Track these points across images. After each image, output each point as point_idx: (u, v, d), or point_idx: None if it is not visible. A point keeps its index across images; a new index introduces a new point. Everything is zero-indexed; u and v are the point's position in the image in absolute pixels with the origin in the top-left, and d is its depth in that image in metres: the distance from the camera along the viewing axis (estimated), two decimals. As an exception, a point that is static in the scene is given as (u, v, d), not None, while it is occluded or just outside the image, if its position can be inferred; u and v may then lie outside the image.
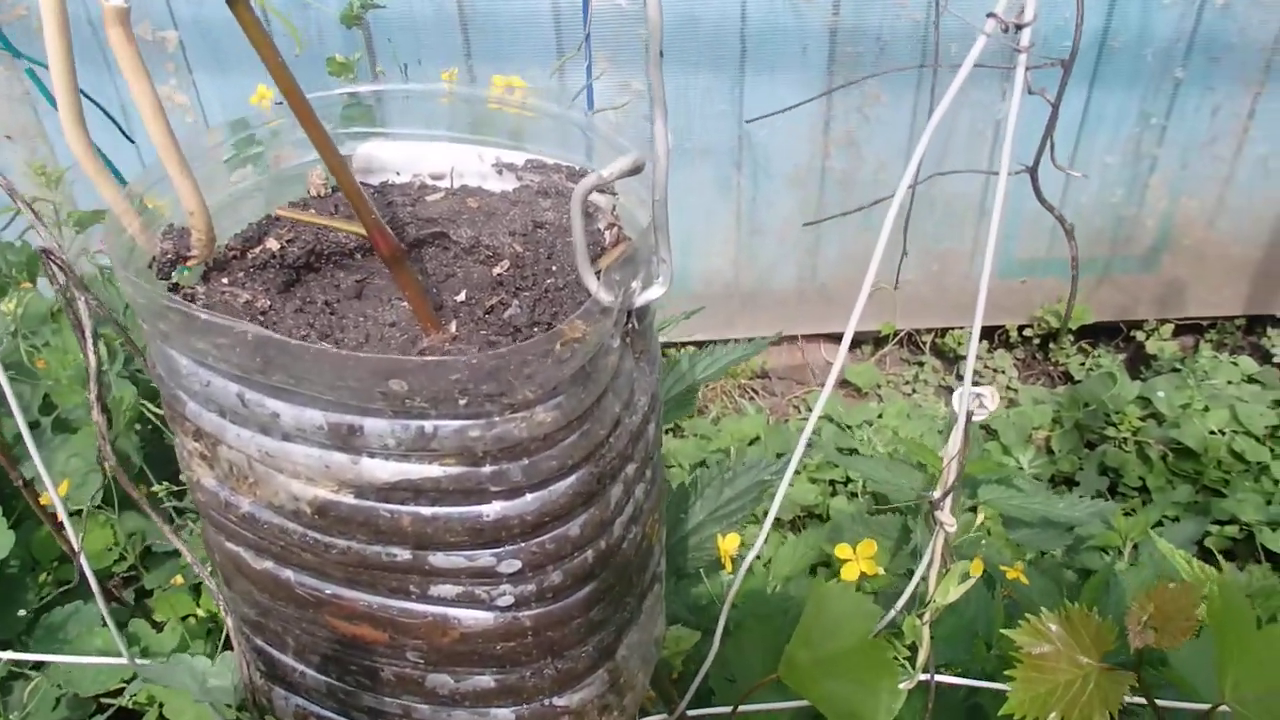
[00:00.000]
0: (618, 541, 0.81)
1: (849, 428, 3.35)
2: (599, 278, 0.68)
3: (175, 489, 1.60)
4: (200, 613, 1.58)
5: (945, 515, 0.95)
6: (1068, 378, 3.61)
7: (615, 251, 0.78)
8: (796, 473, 3.09)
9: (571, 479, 0.72)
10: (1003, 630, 1.04)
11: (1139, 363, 3.65)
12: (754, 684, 1.11)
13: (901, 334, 3.70)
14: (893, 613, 1.01)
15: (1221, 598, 0.93)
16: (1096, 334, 3.72)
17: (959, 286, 3.52)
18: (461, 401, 0.64)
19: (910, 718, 1.19)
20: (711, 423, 3.42)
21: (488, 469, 0.68)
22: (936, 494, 0.94)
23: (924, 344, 3.73)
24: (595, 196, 0.85)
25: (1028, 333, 3.67)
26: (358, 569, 0.75)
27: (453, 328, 0.72)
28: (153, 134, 0.67)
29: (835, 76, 3.02)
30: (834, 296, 3.53)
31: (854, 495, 3.03)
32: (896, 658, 0.99)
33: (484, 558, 0.73)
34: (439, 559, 0.73)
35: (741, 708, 1.11)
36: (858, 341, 3.75)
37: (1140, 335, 3.68)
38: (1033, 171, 0.90)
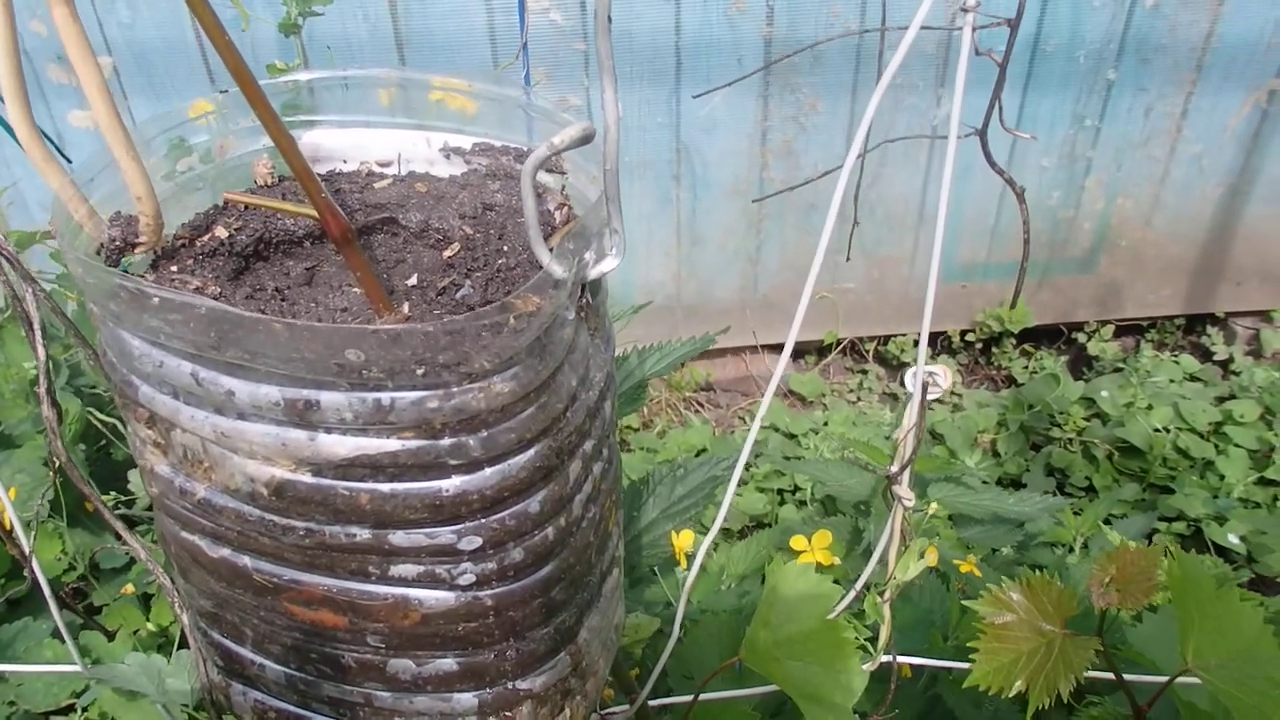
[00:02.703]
0: (577, 520, 0.81)
1: (795, 436, 3.36)
2: (551, 250, 0.68)
3: (123, 498, 1.58)
4: (150, 627, 1.56)
5: (903, 489, 0.95)
6: (1011, 381, 3.63)
7: (567, 225, 0.78)
8: (744, 482, 3.10)
9: (530, 453, 0.72)
10: (964, 602, 1.05)
11: (1081, 364, 3.68)
12: (712, 674, 1.11)
13: (845, 342, 3.72)
14: (852, 593, 1.01)
15: (1180, 566, 0.94)
16: (1038, 337, 3.75)
17: (900, 292, 3.54)
18: (419, 371, 0.63)
19: (872, 701, 1.19)
20: (658, 435, 3.42)
21: (446, 442, 0.68)
22: (894, 468, 0.94)
23: (867, 352, 3.75)
24: (544, 177, 0.85)
25: (970, 337, 3.69)
26: (316, 551, 0.74)
27: (405, 309, 0.72)
28: (99, 114, 0.67)
29: (771, 86, 3.03)
30: (776, 306, 3.55)
31: (802, 504, 3.04)
32: (857, 638, 0.99)
33: (444, 535, 0.72)
34: (399, 537, 0.72)
35: (702, 696, 1.10)
36: (801, 351, 3.76)
37: (1081, 337, 3.72)
38: (982, 133, 0.90)
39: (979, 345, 3.73)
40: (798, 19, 2.93)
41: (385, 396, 0.65)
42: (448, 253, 0.79)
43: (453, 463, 0.69)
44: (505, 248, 0.78)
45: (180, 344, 0.65)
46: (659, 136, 3.11)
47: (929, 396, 0.95)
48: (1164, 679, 1.01)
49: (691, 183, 3.23)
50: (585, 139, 0.65)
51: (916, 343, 3.67)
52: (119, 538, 0.99)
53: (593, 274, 0.73)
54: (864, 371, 3.72)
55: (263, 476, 0.70)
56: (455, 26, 2.85)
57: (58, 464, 1.54)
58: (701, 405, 3.66)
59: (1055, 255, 3.53)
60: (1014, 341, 3.70)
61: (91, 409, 1.64)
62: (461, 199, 0.83)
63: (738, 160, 3.21)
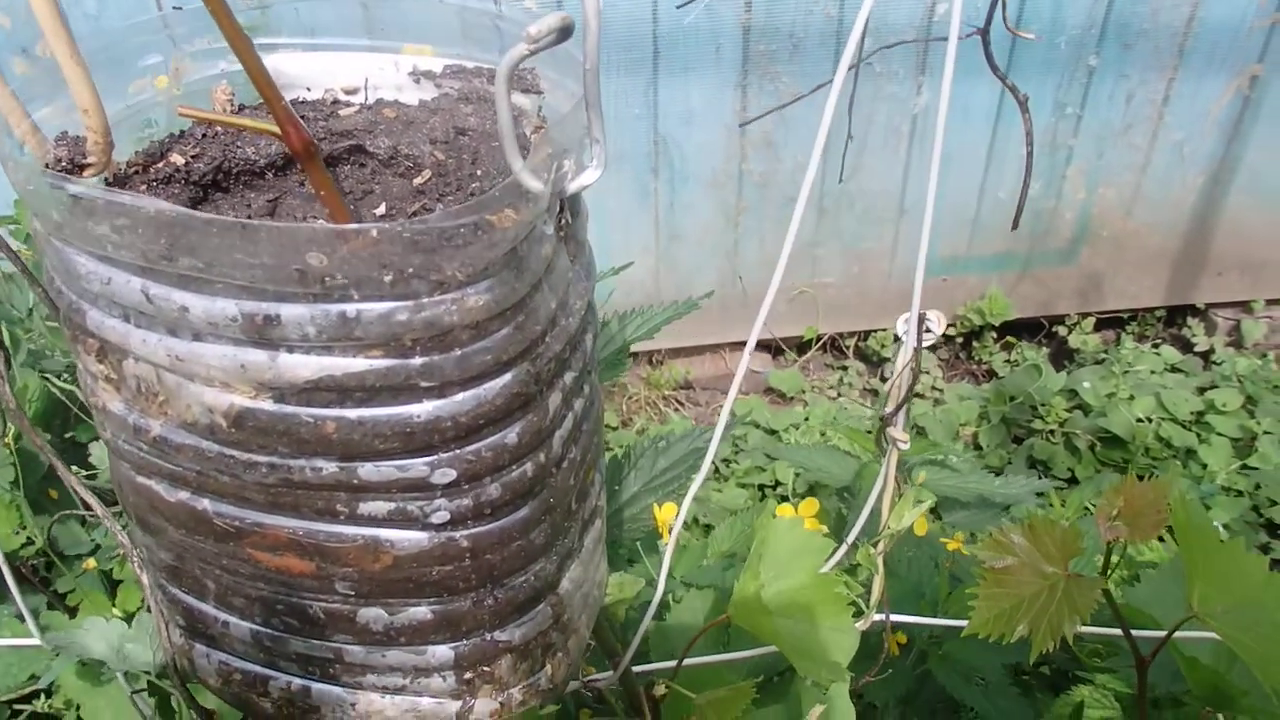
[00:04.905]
0: (558, 458, 0.76)
1: (775, 432, 3.32)
2: (525, 158, 0.63)
3: (86, 472, 1.53)
4: (117, 612, 1.51)
5: (898, 431, 0.91)
6: (992, 375, 3.61)
7: (542, 132, 0.74)
8: (725, 478, 3.06)
9: (507, 377, 0.67)
10: (963, 549, 1.01)
11: (1062, 357, 3.65)
12: (701, 632, 1.07)
13: (825, 338, 3.68)
14: (844, 547, 0.97)
15: (1185, 511, 0.90)
16: (1018, 331, 3.72)
17: (881, 286, 3.51)
18: (386, 279, 0.59)
19: (863, 663, 1.15)
20: (637, 433, 3.39)
21: (417, 361, 0.63)
22: (888, 409, 0.90)
23: (847, 348, 3.72)
24: (520, 99, 0.80)
25: (950, 331, 3.66)
26: (280, 489, 0.70)
27: (374, 233, 0.68)
28: (38, 10, 0.62)
29: (749, 75, 3.00)
30: (755, 302, 3.51)
31: (784, 499, 3.00)
32: (850, 594, 0.95)
33: (416, 467, 0.68)
34: (368, 470, 0.68)
35: (687, 662, 1.06)
36: (781, 348, 3.73)
37: (1062, 330, 3.69)
38: (984, 33, 0.86)
39: (959, 339, 3.70)
40: (775, 6, 2.90)
41: (351, 308, 0.60)
42: (418, 180, 0.74)
43: (424, 385, 0.64)
44: (479, 172, 0.74)
45: (129, 255, 0.61)
46: (636, 128, 3.07)
47: (924, 342, 0.91)
48: (1165, 633, 0.98)
49: (670, 176, 3.19)
50: (564, 31, 0.60)
51: (897, 337, 3.63)
52: (84, 505, 0.94)
53: (572, 187, 0.69)
54: (844, 368, 3.68)
55: (221, 405, 0.66)
56: None
57: (14, 437, 1.49)
58: (681, 403, 3.62)
59: (1036, 246, 3.50)
60: (994, 335, 3.67)
61: (48, 375, 1.59)
62: (433, 124, 0.79)
63: (716, 152, 3.17)
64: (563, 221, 0.72)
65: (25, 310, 1.69)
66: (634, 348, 3.53)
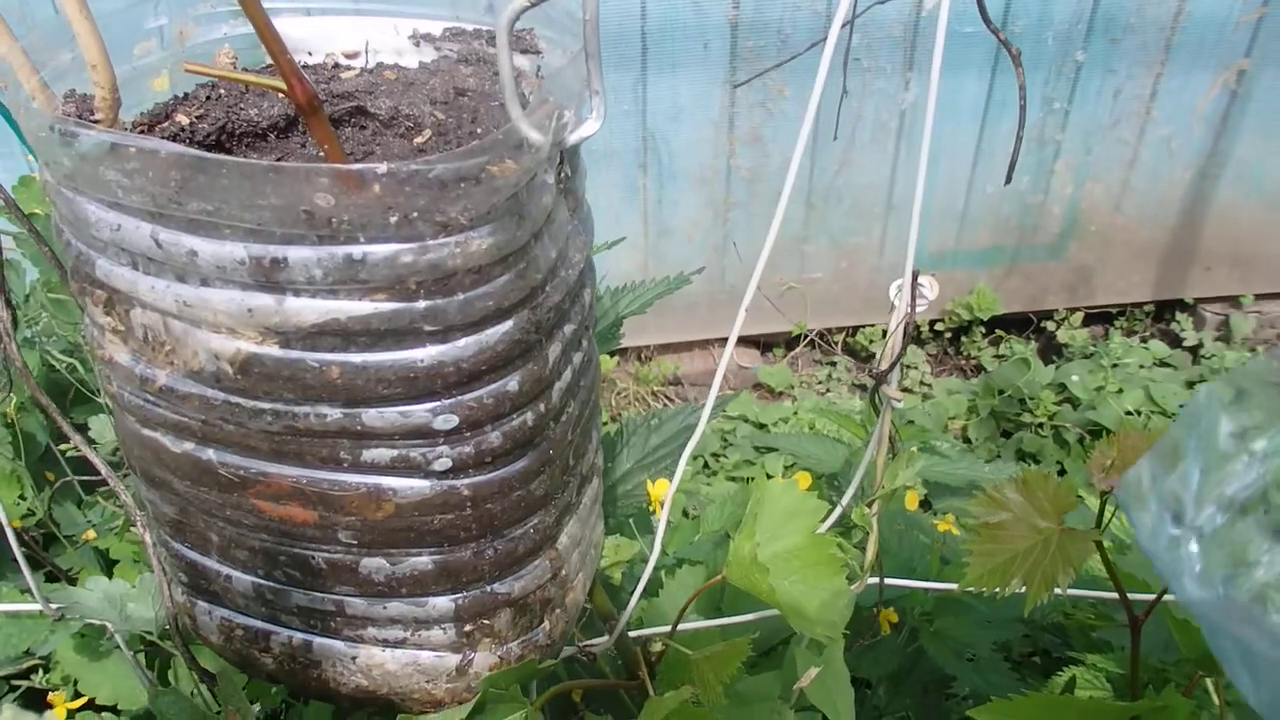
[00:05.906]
0: (557, 410, 0.78)
1: (764, 426, 3.33)
2: (525, 108, 0.65)
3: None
4: (116, 582, 1.52)
5: (892, 390, 0.92)
6: (980, 370, 3.62)
7: (541, 83, 0.75)
8: (714, 472, 3.07)
9: (508, 323, 0.69)
10: (953, 530, 1.02)
11: (1051, 352, 3.67)
12: (697, 594, 1.08)
13: (813, 334, 3.70)
14: (839, 510, 0.98)
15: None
16: (1007, 326, 3.73)
17: (869, 281, 3.52)
18: (392, 219, 0.60)
19: (854, 635, 1.16)
20: (627, 426, 3.39)
21: (421, 305, 0.64)
22: (882, 366, 0.92)
23: (835, 343, 3.73)
24: (518, 60, 0.81)
25: (939, 327, 3.67)
26: (285, 437, 0.71)
27: (376, 189, 0.69)
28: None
29: (738, 72, 3.01)
30: (744, 297, 3.51)
31: (775, 490, 3.01)
32: (844, 554, 0.96)
33: (419, 413, 0.69)
34: (371, 416, 0.69)
35: (683, 627, 1.07)
36: (769, 344, 3.74)
37: (1050, 325, 3.71)
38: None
39: (948, 335, 3.71)
40: (764, 2, 2.91)
41: (357, 250, 0.61)
42: (419, 139, 0.76)
43: (428, 329, 0.65)
44: (479, 130, 0.75)
45: (138, 199, 0.62)
46: (625, 124, 3.08)
47: (918, 307, 0.92)
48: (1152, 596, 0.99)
49: (658, 172, 3.20)
50: (564, -19, 0.62)
51: (885, 333, 3.61)
52: (87, 468, 0.95)
53: (572, 138, 0.70)
54: (833, 363, 3.70)
55: (227, 352, 0.67)
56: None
57: (16, 409, 1.50)
58: (670, 399, 3.63)
59: (1024, 241, 3.51)
60: (983, 330, 3.68)
61: (49, 350, 1.60)
62: (433, 85, 0.80)
63: (704, 148, 3.18)
64: (562, 174, 0.74)
65: (23, 296, 1.69)
66: (624, 343, 3.54)
